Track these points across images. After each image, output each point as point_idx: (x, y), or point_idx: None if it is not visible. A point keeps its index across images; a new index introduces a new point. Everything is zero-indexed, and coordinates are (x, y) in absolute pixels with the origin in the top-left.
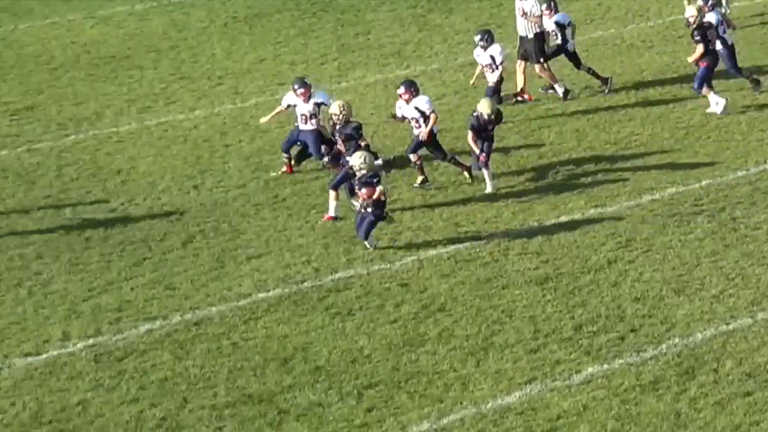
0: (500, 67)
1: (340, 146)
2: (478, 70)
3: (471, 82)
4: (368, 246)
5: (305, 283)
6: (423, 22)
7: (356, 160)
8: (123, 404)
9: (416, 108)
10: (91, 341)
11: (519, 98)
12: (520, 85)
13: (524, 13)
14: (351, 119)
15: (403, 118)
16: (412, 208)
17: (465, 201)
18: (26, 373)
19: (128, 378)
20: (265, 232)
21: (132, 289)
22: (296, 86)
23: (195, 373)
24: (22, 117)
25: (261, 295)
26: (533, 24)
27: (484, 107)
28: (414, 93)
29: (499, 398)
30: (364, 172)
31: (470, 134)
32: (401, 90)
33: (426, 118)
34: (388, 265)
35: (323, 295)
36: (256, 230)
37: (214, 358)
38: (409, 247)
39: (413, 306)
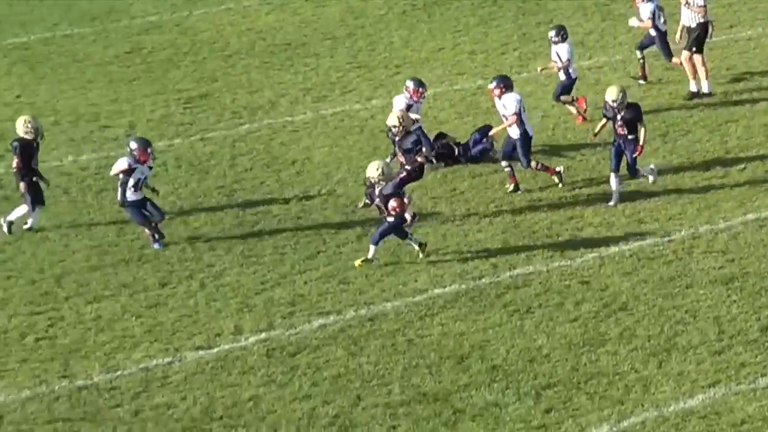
0: (570, 65)
1: (400, 158)
2: (550, 65)
3: (539, 71)
4: (370, 255)
5: (483, 280)
6: (606, 11)
7: (373, 171)
8: (295, 401)
9: (504, 105)
10: (263, 335)
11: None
12: (703, 77)
13: (687, 3)
14: (411, 130)
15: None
16: (593, 204)
17: (648, 196)
18: (197, 366)
19: (301, 374)
20: (442, 226)
21: (305, 282)
22: (415, 86)
23: (369, 370)
24: (196, 105)
25: (437, 290)
26: (696, 13)
27: (608, 93)
28: (504, 89)
29: (681, 401)
30: (383, 184)
31: (603, 121)
32: (492, 85)
33: (513, 115)
34: (569, 262)
35: (501, 291)
36: (432, 224)
37: (389, 355)
38: (591, 243)
39: (594, 304)
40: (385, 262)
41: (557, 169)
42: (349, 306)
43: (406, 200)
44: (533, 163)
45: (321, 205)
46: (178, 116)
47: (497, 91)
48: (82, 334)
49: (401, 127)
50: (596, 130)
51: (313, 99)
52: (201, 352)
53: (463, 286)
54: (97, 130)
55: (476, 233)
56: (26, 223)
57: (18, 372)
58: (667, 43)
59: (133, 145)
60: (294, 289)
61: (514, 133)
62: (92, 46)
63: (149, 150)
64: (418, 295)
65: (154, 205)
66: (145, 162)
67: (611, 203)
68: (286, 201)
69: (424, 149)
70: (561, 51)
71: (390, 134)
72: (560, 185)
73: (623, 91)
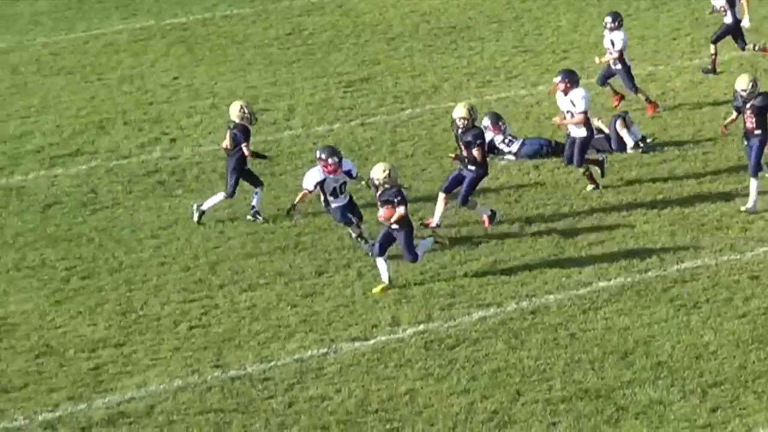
0: (618, 54)
1: (463, 152)
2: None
3: (597, 61)
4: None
5: (649, 273)
6: None
7: (378, 173)
8: (453, 395)
9: (571, 101)
10: (421, 327)
11: None
12: None
13: None
14: (475, 125)
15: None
16: (765, 196)
17: None
18: (353, 358)
19: (459, 367)
20: (608, 217)
21: (465, 273)
22: (493, 121)
23: (529, 364)
24: (357, 89)
25: (602, 283)
26: None
27: (738, 81)
28: (570, 85)
29: None
30: (387, 186)
31: (733, 114)
32: (558, 79)
33: (582, 114)
34: (738, 256)
35: (668, 285)
36: (598, 214)
37: (550, 350)
38: (762, 237)
39: (764, 300)
40: (549, 253)
41: (597, 183)
42: (510, 298)
43: (401, 209)
44: (584, 168)
45: (482, 194)
46: (339, 100)
47: (562, 86)
48: (236, 322)
49: (470, 120)
50: (726, 122)
51: (477, 84)
52: (357, 344)
53: (629, 279)
54: (255, 113)
55: (643, 224)
56: (253, 207)
57: (170, 360)
58: (724, 35)
59: (318, 154)
60: (454, 280)
61: (579, 132)
62: (252, 27)
63: (331, 160)
64: (582, 288)
65: (354, 207)
66: (332, 173)
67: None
68: None
69: (484, 145)
70: (615, 38)
71: (453, 126)
72: (593, 188)
73: (754, 79)
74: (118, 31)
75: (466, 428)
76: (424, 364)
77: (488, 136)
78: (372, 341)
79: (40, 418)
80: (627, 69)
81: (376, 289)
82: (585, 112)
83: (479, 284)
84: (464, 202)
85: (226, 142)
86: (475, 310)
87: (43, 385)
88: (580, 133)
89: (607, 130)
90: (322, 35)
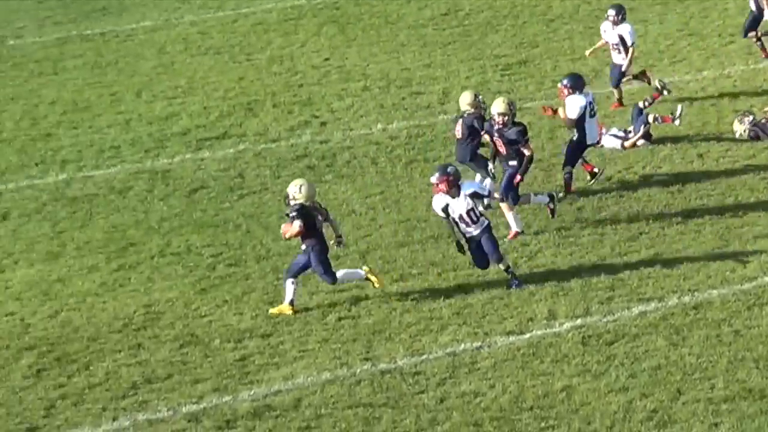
0: (630, 49)
1: (500, 148)
2: (598, 44)
3: (587, 53)
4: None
5: None
6: None
7: (291, 189)
8: (611, 393)
9: (566, 106)
10: (578, 321)
11: None
12: None
13: None
14: (515, 120)
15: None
16: None
17: None
18: (508, 353)
19: (618, 364)
20: None
21: (625, 266)
22: None
23: (691, 362)
24: (515, 72)
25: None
26: None
27: None
28: (571, 90)
29: None
30: (299, 202)
31: None
32: (561, 84)
33: (570, 120)
34: None
35: None
36: (765, 207)
37: (713, 347)
38: None
39: None
40: (712, 246)
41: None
42: (671, 292)
43: (295, 225)
44: (569, 168)
45: (644, 183)
46: (495, 84)
47: (566, 91)
48: (387, 314)
49: (509, 116)
50: None
51: (640, 68)
52: (512, 338)
53: None
54: (408, 96)
55: None
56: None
57: (318, 352)
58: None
59: (433, 179)
60: (613, 273)
61: (574, 135)
62: (406, 7)
63: (433, 178)
64: (747, 283)
65: (491, 239)
66: (440, 192)
67: None
68: (608, 177)
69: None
70: (624, 32)
71: (491, 123)
72: (590, 182)
73: None
74: (268, 9)
75: (624, 427)
76: (582, 360)
77: None
78: (527, 335)
79: (184, 409)
80: (629, 63)
81: (272, 310)
82: (574, 120)
83: (639, 277)
84: (506, 196)
85: (458, 131)
86: (635, 304)
87: (187, 376)
88: (574, 136)
89: None
90: (479, 16)
